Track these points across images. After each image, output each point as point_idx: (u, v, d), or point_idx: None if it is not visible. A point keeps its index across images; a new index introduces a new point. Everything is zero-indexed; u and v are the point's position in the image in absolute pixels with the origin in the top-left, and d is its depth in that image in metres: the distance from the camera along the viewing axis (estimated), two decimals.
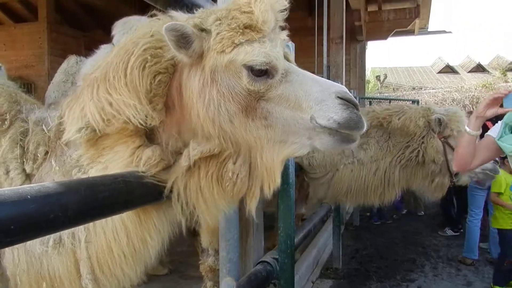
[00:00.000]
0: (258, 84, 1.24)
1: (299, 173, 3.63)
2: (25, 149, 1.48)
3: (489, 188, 4.91)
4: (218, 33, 1.24)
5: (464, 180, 3.51)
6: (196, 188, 1.33)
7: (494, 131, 2.49)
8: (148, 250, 1.42)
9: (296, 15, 10.00)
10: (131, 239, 1.36)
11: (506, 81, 20.44)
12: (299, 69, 1.36)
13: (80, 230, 1.37)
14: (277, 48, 1.29)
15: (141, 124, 1.29)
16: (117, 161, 1.33)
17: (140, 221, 1.37)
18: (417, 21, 10.66)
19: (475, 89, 18.15)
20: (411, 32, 11.92)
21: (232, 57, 1.23)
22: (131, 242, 1.36)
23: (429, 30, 12.44)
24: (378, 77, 22.97)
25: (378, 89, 21.90)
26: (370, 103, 12.50)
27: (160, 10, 1.55)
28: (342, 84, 5.60)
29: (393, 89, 21.87)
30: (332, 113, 1.25)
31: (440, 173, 3.44)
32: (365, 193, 3.53)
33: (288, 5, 1.36)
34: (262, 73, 1.24)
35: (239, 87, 1.25)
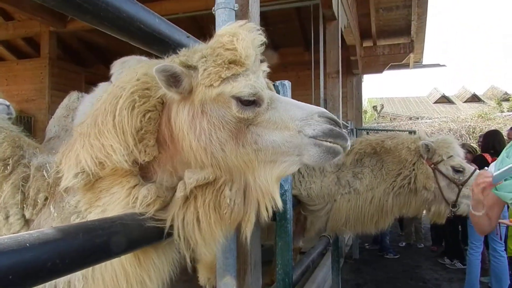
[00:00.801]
0: (247, 112, 1.33)
1: (295, 207, 3.63)
2: (26, 194, 1.50)
3: None
4: (205, 69, 1.33)
5: (463, 209, 3.40)
6: (193, 218, 1.35)
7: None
8: None
9: (293, 50, 10.36)
10: (130, 283, 1.36)
11: (502, 111, 20.69)
12: (284, 97, 1.47)
13: (77, 279, 1.38)
14: (260, 79, 1.39)
15: (132, 164, 1.34)
16: (114, 203, 1.36)
17: (139, 263, 1.38)
18: (411, 55, 10.93)
19: (471, 119, 18.33)
20: (406, 66, 12.18)
21: (221, 90, 1.31)
22: (130, 286, 1.37)
23: (423, 63, 12.68)
24: (375, 107, 23.25)
25: (375, 119, 22.12)
26: (368, 134, 12.63)
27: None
28: (339, 116, 5.69)
29: (390, 119, 22.09)
30: (317, 125, 1.35)
31: (435, 200, 3.43)
32: (362, 222, 3.53)
33: (265, 41, 1.46)
34: (250, 102, 1.33)
35: (229, 116, 1.33)
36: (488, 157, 5.23)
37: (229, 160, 1.33)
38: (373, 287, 5.47)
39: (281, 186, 2.79)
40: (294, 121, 1.36)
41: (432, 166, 3.42)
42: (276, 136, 1.35)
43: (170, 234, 1.39)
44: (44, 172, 1.53)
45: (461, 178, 3.36)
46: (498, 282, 4.83)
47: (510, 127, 7.41)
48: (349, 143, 1.40)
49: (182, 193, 1.34)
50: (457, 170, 3.38)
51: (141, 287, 1.39)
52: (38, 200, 1.49)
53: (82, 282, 1.39)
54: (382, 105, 23.56)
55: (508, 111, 20.82)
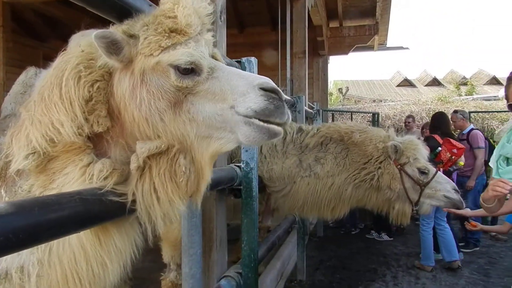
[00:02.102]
0: (186, 81, 1.30)
1: (264, 186, 3.65)
2: None
3: None
4: (145, 38, 1.30)
5: (425, 208, 3.54)
6: (150, 189, 1.31)
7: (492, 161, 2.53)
8: (108, 274, 1.37)
9: (259, 30, 10.25)
10: (90, 265, 1.31)
11: (460, 95, 21.51)
12: (228, 67, 1.42)
13: (31, 264, 1.31)
14: (201, 47, 1.35)
15: (84, 138, 1.31)
16: (69, 184, 1.31)
17: (100, 244, 1.33)
18: (376, 37, 11.10)
19: (431, 102, 18.95)
20: (370, 48, 12.38)
21: (159, 59, 1.29)
22: (90, 268, 1.32)
23: (387, 46, 12.92)
24: (340, 90, 23.57)
25: (340, 101, 22.45)
26: (333, 115, 12.84)
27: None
28: (305, 96, 5.73)
29: (355, 101, 22.48)
30: (252, 103, 1.29)
31: (399, 200, 3.49)
32: (319, 207, 3.58)
33: (212, 10, 1.43)
34: (188, 71, 1.30)
35: (167, 85, 1.30)
36: (438, 137, 5.45)
37: (169, 130, 1.31)
38: (337, 262, 5.64)
39: (247, 164, 2.79)
40: (233, 93, 1.32)
41: (399, 167, 3.48)
42: (209, 107, 1.32)
43: (133, 211, 1.36)
44: None
45: (424, 180, 3.45)
46: (447, 251, 5.29)
47: (453, 110, 7.93)
48: (287, 118, 1.34)
49: (135, 164, 1.30)
50: (422, 172, 3.47)
51: (102, 270, 1.35)
52: None
53: (37, 267, 1.32)
54: (347, 87, 23.91)
55: (465, 95, 21.66)
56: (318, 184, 3.54)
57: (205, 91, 1.32)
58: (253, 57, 2.81)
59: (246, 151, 2.80)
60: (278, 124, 1.33)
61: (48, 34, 10.27)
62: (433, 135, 5.53)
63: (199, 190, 1.39)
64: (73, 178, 1.30)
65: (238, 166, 2.79)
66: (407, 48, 13.74)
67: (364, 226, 7.69)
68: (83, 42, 1.38)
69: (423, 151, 3.62)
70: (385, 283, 4.85)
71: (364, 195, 3.55)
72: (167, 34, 1.29)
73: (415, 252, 6.04)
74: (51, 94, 1.32)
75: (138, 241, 1.43)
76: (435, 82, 26.13)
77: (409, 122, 8.34)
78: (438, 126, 5.67)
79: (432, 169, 3.54)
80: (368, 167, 3.51)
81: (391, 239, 6.79)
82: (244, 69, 2.78)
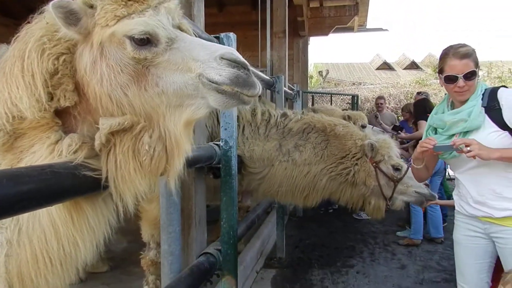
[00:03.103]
0: (144, 52, 1.24)
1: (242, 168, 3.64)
2: None
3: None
4: (102, 8, 1.24)
5: (398, 204, 3.68)
6: (115, 167, 1.27)
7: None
8: (80, 253, 1.34)
9: (240, 9, 10.09)
10: (61, 244, 1.28)
11: (437, 78, 21.84)
12: (190, 37, 1.36)
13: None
14: (159, 16, 1.28)
15: (48, 113, 1.26)
16: (37, 162, 1.27)
17: (72, 222, 1.29)
18: (356, 18, 11.08)
19: (409, 85, 19.25)
20: (350, 29, 12.37)
21: (114, 29, 1.23)
22: (62, 247, 1.28)
23: (367, 27, 12.94)
24: (320, 73, 23.59)
25: (320, 84, 22.51)
26: (313, 98, 12.86)
27: None
28: (285, 78, 5.70)
29: (335, 84, 22.58)
30: (219, 70, 1.25)
31: (374, 195, 3.61)
32: (293, 193, 3.64)
33: None
34: (144, 41, 1.24)
35: (125, 58, 1.25)
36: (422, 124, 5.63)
37: (135, 105, 1.27)
38: (316, 240, 5.73)
39: (226, 142, 2.78)
40: (196, 62, 1.27)
41: (374, 164, 3.58)
42: (177, 78, 1.27)
43: (107, 187, 1.33)
44: None
45: (398, 176, 3.58)
46: (435, 228, 5.62)
47: (416, 92, 8.13)
48: (258, 90, 1.31)
49: (98, 141, 1.26)
50: (396, 168, 3.60)
51: (73, 249, 1.31)
52: None
53: (6, 247, 1.28)
54: (327, 70, 23.94)
55: None
56: (295, 170, 3.60)
57: (166, 62, 1.27)
58: (232, 33, 2.76)
59: (225, 129, 2.78)
60: (249, 96, 1.30)
61: (21, 12, 9.87)
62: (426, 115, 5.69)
63: (173, 167, 1.33)
64: (41, 156, 1.26)
65: (217, 144, 2.77)
66: (386, 29, 13.82)
67: (338, 206, 7.81)
68: (48, 14, 1.31)
69: (396, 150, 3.77)
70: (363, 259, 4.96)
71: (338, 189, 3.64)
72: (123, 3, 1.23)
73: (391, 230, 6.19)
74: (12, 68, 1.27)
75: (112, 220, 1.40)
76: (413, 66, 26.43)
77: (381, 104, 8.40)
78: (424, 111, 5.87)
79: (404, 165, 3.69)
80: (345, 162, 3.60)
81: (370, 217, 6.94)
82: (222, 45, 2.73)
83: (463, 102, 2.45)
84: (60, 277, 1.34)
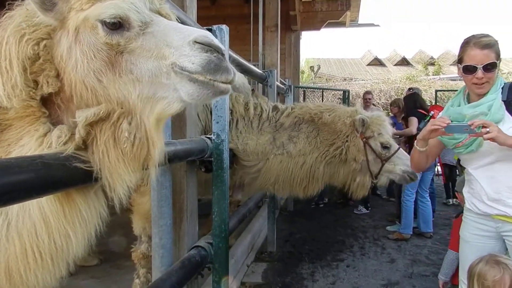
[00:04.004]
0: (116, 37, 1.19)
1: (234, 161, 3.64)
2: None
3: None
4: None
5: (383, 181, 3.73)
6: (99, 157, 1.24)
7: None
8: (72, 247, 1.31)
9: (232, 2, 10.02)
10: (52, 238, 1.24)
11: (427, 74, 22.01)
12: (166, 21, 1.30)
13: None
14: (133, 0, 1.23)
15: (33, 98, 1.23)
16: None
17: (64, 214, 1.26)
18: (348, 13, 11.09)
19: (400, 81, 19.36)
20: (342, 24, 12.38)
21: (87, 13, 1.19)
22: (53, 241, 1.25)
23: (359, 22, 12.96)
24: (312, 68, 23.61)
25: (312, 79, 22.53)
26: (304, 93, 12.88)
27: None
28: (277, 72, 5.70)
29: (326, 79, 22.63)
30: (191, 57, 1.19)
31: (361, 172, 3.64)
32: (291, 185, 3.65)
33: None
34: (116, 26, 1.19)
35: (98, 43, 1.21)
36: (421, 111, 5.71)
37: (111, 93, 1.22)
38: (306, 234, 5.76)
39: (218, 136, 2.76)
40: (170, 48, 1.20)
41: (364, 140, 3.60)
42: (151, 65, 1.21)
43: (99, 179, 1.31)
44: None
45: (386, 154, 3.61)
46: (425, 223, 5.67)
47: (408, 87, 8.23)
48: (231, 76, 1.23)
49: (78, 135, 1.23)
50: (384, 147, 3.63)
51: (65, 242, 1.28)
52: None
53: None
54: (319, 65, 23.95)
55: (433, 74, 22.19)
56: (290, 162, 3.61)
57: (140, 48, 1.21)
58: (224, 25, 2.74)
59: (217, 122, 2.77)
60: (224, 83, 1.23)
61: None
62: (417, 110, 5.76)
63: (150, 157, 1.30)
64: (30, 149, 1.23)
65: (208, 137, 2.75)
66: (377, 25, 13.83)
67: (328, 200, 7.86)
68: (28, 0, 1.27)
69: (388, 128, 3.77)
70: (353, 253, 5.00)
71: (334, 171, 3.67)
72: None
73: (381, 224, 6.25)
74: None
75: (103, 213, 1.37)
76: (404, 62, 26.59)
77: (369, 99, 8.21)
78: (414, 105, 5.91)
79: (394, 145, 3.71)
80: (336, 142, 3.63)
81: (368, 211, 7.02)
82: (215, 37, 2.71)
83: (481, 95, 2.36)
84: (51, 272, 1.30)
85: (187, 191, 2.70)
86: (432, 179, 6.12)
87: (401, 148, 3.78)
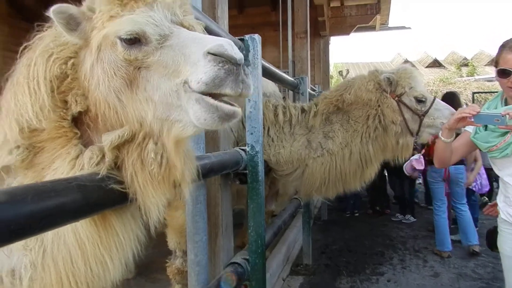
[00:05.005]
0: (134, 52, 1.15)
1: (269, 170, 3.54)
2: None
3: (447, 180, 5.10)
4: (100, 10, 1.19)
5: (424, 137, 3.41)
6: (130, 180, 1.20)
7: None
8: (109, 273, 1.26)
9: (259, 10, 10.03)
10: (89, 265, 1.20)
11: (461, 76, 21.30)
12: (186, 32, 1.22)
13: (23, 267, 1.20)
14: (151, 12, 1.17)
15: (64, 118, 1.22)
16: None
17: (101, 240, 1.21)
18: (378, 17, 10.87)
19: (433, 83, 18.80)
20: (372, 28, 12.15)
21: (107, 30, 1.16)
22: (89, 268, 1.20)
23: (389, 26, 12.68)
24: (340, 72, 23.27)
25: None
26: None
27: None
28: (307, 78, 5.59)
29: None
30: (202, 74, 1.09)
31: (402, 133, 3.36)
32: (344, 181, 3.41)
33: None
34: (133, 41, 1.15)
35: (118, 60, 1.17)
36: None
37: (129, 112, 1.17)
38: (342, 245, 5.58)
39: (252, 147, 2.69)
40: (186, 64, 1.12)
41: (396, 98, 3.33)
42: (164, 84, 1.14)
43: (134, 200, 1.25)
44: None
45: (422, 109, 3.31)
46: (465, 234, 5.17)
47: (445, 91, 7.83)
48: (243, 87, 1.11)
49: (107, 158, 1.19)
50: (419, 100, 3.32)
51: (101, 269, 1.23)
52: None
53: (30, 270, 1.21)
54: (348, 70, 23.54)
55: (467, 75, 21.46)
56: (335, 159, 3.38)
57: (157, 63, 1.15)
58: (257, 35, 2.68)
59: (251, 133, 2.69)
60: (230, 96, 1.12)
61: (45, 18, 10.04)
62: None
63: (180, 177, 1.24)
64: (62, 172, 1.19)
65: (243, 149, 2.68)
66: (409, 28, 13.48)
67: (359, 212, 7.60)
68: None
69: (419, 79, 3.48)
70: (393, 266, 4.78)
71: (383, 143, 3.38)
72: (119, 2, 1.16)
73: (421, 235, 5.98)
74: (19, 76, 1.24)
75: (141, 235, 1.32)
76: (435, 64, 25.87)
77: None
78: (452, 105, 5.58)
79: (429, 96, 3.40)
80: (371, 113, 3.37)
81: (415, 219, 6.75)
82: (247, 47, 2.65)
83: None
84: None
85: (222, 205, 2.63)
86: (470, 189, 5.70)
87: (437, 99, 3.45)
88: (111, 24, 1.15)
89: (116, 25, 1.14)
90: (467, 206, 5.25)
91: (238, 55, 1.10)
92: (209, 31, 2.07)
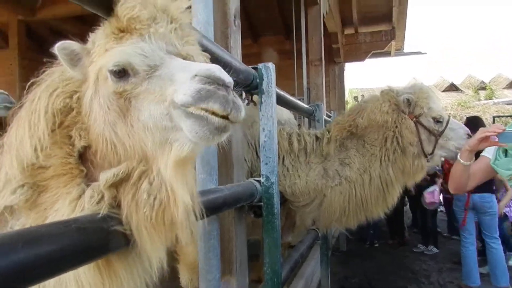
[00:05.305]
0: (123, 84, 1.10)
1: (284, 201, 3.41)
2: None
3: (469, 209, 4.86)
4: (98, 44, 1.16)
5: (436, 161, 3.30)
6: (125, 221, 1.12)
7: (489, 151, 2.42)
8: None
9: (274, 39, 10.13)
10: None
11: (479, 99, 20.99)
12: (180, 61, 1.14)
13: None
14: (141, 43, 1.12)
15: (71, 154, 1.18)
16: None
17: (103, 286, 1.13)
18: (393, 42, 10.86)
19: (451, 107, 18.55)
20: (387, 54, 12.13)
21: (100, 64, 1.13)
22: None
23: (404, 51, 12.65)
24: (356, 98, 23.24)
25: None
26: None
27: None
28: (323, 105, 5.52)
29: None
30: (186, 88, 1.04)
31: (418, 155, 3.21)
32: (366, 208, 3.24)
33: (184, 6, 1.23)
34: (122, 73, 1.10)
35: (109, 93, 1.12)
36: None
37: (127, 144, 1.11)
38: (363, 279, 5.34)
39: (267, 178, 2.59)
40: (171, 87, 1.08)
41: (414, 119, 3.20)
42: (154, 108, 1.09)
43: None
44: None
45: (439, 129, 3.18)
46: (495, 273, 4.80)
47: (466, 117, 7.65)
48: (232, 109, 1.04)
49: (105, 198, 1.12)
50: (437, 121, 3.19)
51: None
52: None
53: None
54: (363, 95, 23.56)
55: (485, 99, 21.14)
56: (354, 187, 3.22)
57: (144, 92, 1.10)
58: (271, 63, 2.62)
59: (266, 164, 2.60)
60: (220, 115, 1.03)
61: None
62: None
63: (176, 221, 1.11)
64: (63, 215, 1.12)
65: (257, 180, 2.58)
66: (425, 53, 13.42)
67: (378, 243, 7.33)
68: None
69: (436, 99, 3.36)
70: None
71: (403, 165, 3.22)
72: (115, 35, 1.13)
73: (446, 267, 5.69)
74: (23, 111, 1.22)
75: (149, 280, 1.22)
76: (452, 88, 25.63)
77: None
78: (476, 129, 5.39)
79: (445, 116, 3.25)
80: (388, 134, 3.22)
81: (438, 250, 6.47)
82: (261, 76, 2.60)
83: None
84: None
85: (236, 240, 2.50)
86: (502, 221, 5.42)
87: (451, 118, 3.30)
88: (103, 57, 1.12)
89: (106, 57, 1.11)
90: (499, 240, 4.89)
91: (227, 78, 1.05)
92: (220, 61, 2.02)
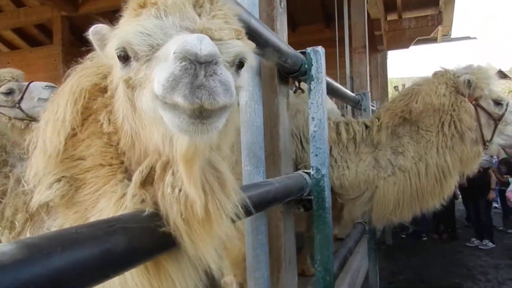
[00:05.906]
0: (127, 70, 0.98)
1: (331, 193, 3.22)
2: (2, 214, 1.20)
3: None
4: (120, 23, 1.06)
5: (493, 149, 3.05)
6: (166, 220, 1.01)
7: None
8: None
9: (312, 28, 9.84)
10: None
11: None
12: (182, 35, 0.92)
13: None
14: (148, 20, 0.94)
15: (111, 145, 1.12)
16: None
17: None
18: (440, 28, 10.26)
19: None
20: (433, 40, 11.51)
21: (108, 48, 1.05)
22: None
23: (452, 36, 11.97)
24: (396, 88, 22.48)
25: None
26: None
27: None
28: (367, 94, 5.25)
29: None
30: (160, 76, 0.86)
31: (476, 141, 2.98)
32: (421, 200, 3.01)
33: None
34: (125, 57, 0.97)
35: (121, 81, 1.03)
36: None
37: (142, 135, 1.02)
38: (411, 274, 5.07)
39: (318, 170, 2.42)
40: (155, 71, 0.93)
41: (474, 102, 2.95)
42: (146, 100, 0.95)
43: None
44: (24, 183, 1.18)
45: (500, 112, 2.94)
46: None
47: None
48: (203, 96, 0.82)
49: (147, 197, 1.03)
50: (497, 103, 2.94)
51: None
52: (16, 222, 1.18)
53: None
54: (404, 85, 22.72)
55: None
56: (409, 177, 3.00)
57: (143, 78, 0.95)
58: (320, 47, 2.43)
59: (316, 155, 2.42)
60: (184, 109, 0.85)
61: None
62: None
63: (215, 213, 1.00)
64: (108, 215, 1.02)
65: (307, 173, 2.41)
66: (474, 37, 12.65)
67: (426, 236, 6.98)
68: None
69: (495, 79, 3.11)
70: None
71: (461, 152, 2.98)
72: (135, 11, 0.98)
73: (504, 263, 5.31)
74: (52, 104, 1.21)
75: (199, 283, 1.09)
76: (500, 75, 24.16)
77: None
78: None
79: (506, 98, 3.00)
80: (445, 118, 2.98)
81: (494, 245, 6.09)
82: (310, 61, 2.42)
83: None
84: None
85: (284, 236, 2.36)
86: None
87: (510, 100, 3.04)
88: (113, 39, 1.02)
89: (113, 39, 1.01)
90: None
91: (204, 50, 0.82)
92: (269, 43, 1.87)
